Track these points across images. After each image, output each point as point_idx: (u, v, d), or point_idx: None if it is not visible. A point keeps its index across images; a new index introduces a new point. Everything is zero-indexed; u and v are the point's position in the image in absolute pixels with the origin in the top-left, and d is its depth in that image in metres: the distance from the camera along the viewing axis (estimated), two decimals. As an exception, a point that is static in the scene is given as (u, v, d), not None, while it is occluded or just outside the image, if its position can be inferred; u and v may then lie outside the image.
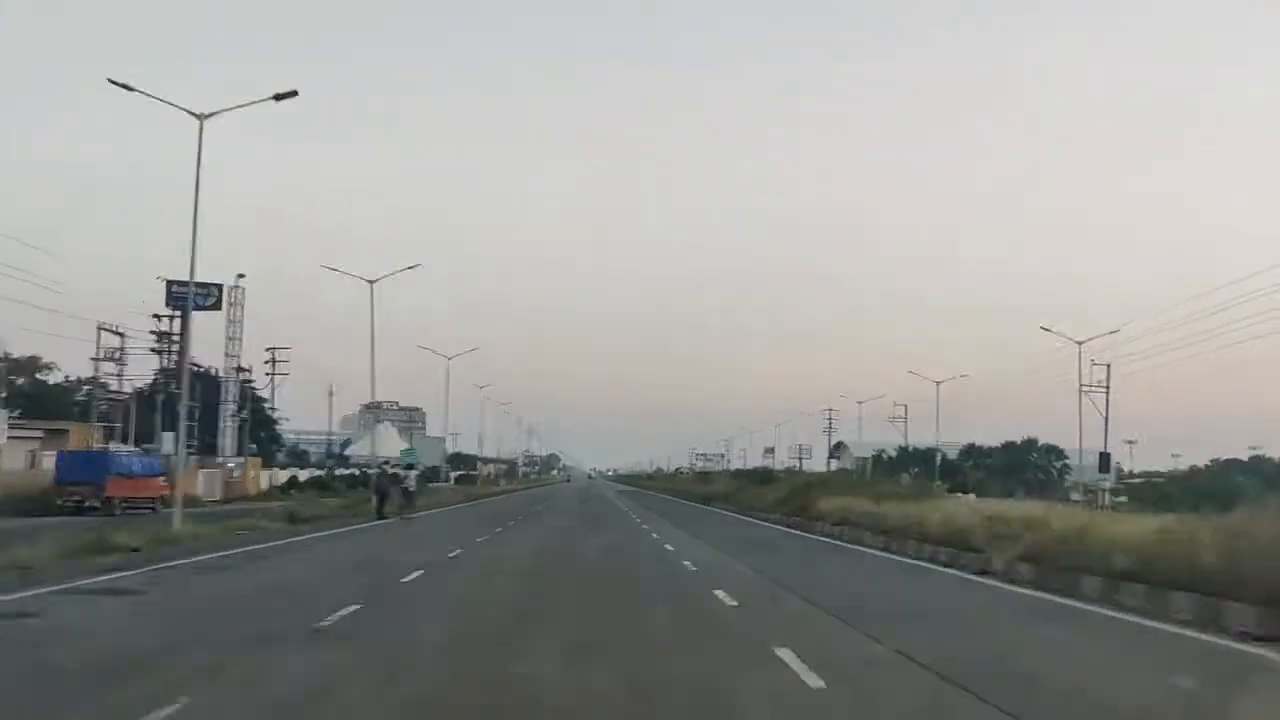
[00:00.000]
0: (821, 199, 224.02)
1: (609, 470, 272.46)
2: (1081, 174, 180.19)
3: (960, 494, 45.05)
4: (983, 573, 17.77)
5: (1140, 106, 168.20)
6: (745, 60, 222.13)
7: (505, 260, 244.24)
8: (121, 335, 53.69)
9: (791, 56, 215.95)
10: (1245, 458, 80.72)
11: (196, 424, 38.28)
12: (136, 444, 51.60)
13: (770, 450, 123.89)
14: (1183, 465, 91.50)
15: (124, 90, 25.36)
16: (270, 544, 23.35)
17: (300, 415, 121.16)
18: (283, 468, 74.80)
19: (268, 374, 71.95)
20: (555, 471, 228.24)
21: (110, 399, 54.65)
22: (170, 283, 52.58)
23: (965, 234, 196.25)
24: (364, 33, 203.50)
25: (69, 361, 74.50)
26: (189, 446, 34.19)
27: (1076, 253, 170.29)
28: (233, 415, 58.73)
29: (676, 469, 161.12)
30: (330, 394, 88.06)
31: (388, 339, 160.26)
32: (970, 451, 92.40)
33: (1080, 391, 58.21)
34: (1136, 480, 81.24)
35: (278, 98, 26.29)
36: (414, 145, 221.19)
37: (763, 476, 71.24)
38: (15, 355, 61.34)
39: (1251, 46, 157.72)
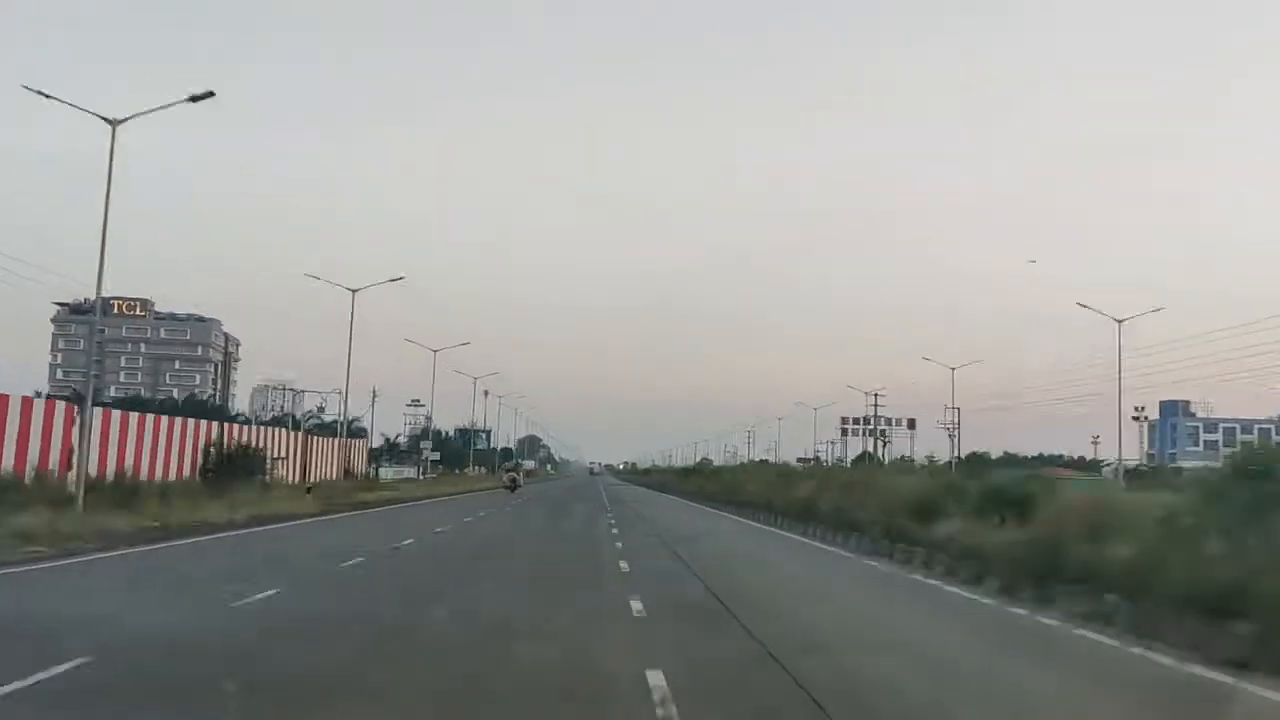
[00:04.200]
0: (824, 195, 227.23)
1: (621, 464, 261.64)
2: (1093, 174, 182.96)
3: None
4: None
5: (1140, 107, 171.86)
6: (746, 57, 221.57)
7: (504, 254, 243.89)
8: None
9: (793, 53, 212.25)
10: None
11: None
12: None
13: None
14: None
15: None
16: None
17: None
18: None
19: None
20: (549, 467, 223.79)
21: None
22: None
23: (968, 230, 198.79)
24: (362, 30, 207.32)
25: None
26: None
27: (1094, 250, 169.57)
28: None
29: (700, 460, 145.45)
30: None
31: (387, 335, 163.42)
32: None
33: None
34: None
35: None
36: (414, 142, 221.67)
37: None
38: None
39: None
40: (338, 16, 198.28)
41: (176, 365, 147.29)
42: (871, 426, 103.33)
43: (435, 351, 75.82)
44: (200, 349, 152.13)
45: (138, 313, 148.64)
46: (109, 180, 25.28)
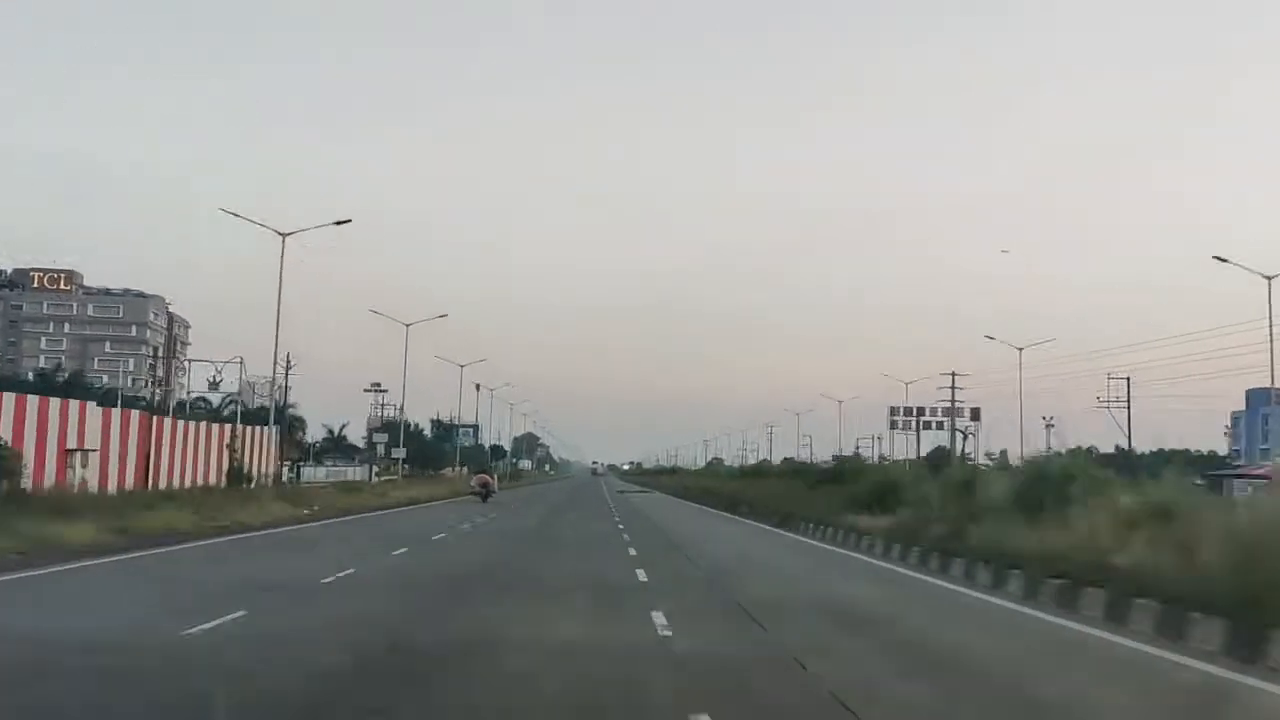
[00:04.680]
0: (825, 194, 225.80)
1: (625, 464, 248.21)
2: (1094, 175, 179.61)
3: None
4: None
5: (1141, 107, 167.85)
6: (746, 56, 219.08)
7: (504, 254, 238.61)
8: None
9: (793, 53, 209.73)
10: None
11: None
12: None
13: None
14: None
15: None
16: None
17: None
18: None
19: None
20: (547, 467, 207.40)
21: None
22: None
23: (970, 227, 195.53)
24: (362, 30, 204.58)
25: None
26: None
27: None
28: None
29: (712, 460, 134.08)
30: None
31: (389, 332, 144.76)
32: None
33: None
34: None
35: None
36: (414, 138, 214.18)
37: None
38: None
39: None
40: (337, 17, 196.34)
41: (108, 347, 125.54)
42: (933, 418, 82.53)
43: (407, 326, 61.22)
44: (135, 329, 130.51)
45: (61, 286, 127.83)
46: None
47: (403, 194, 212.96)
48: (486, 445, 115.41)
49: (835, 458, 79.31)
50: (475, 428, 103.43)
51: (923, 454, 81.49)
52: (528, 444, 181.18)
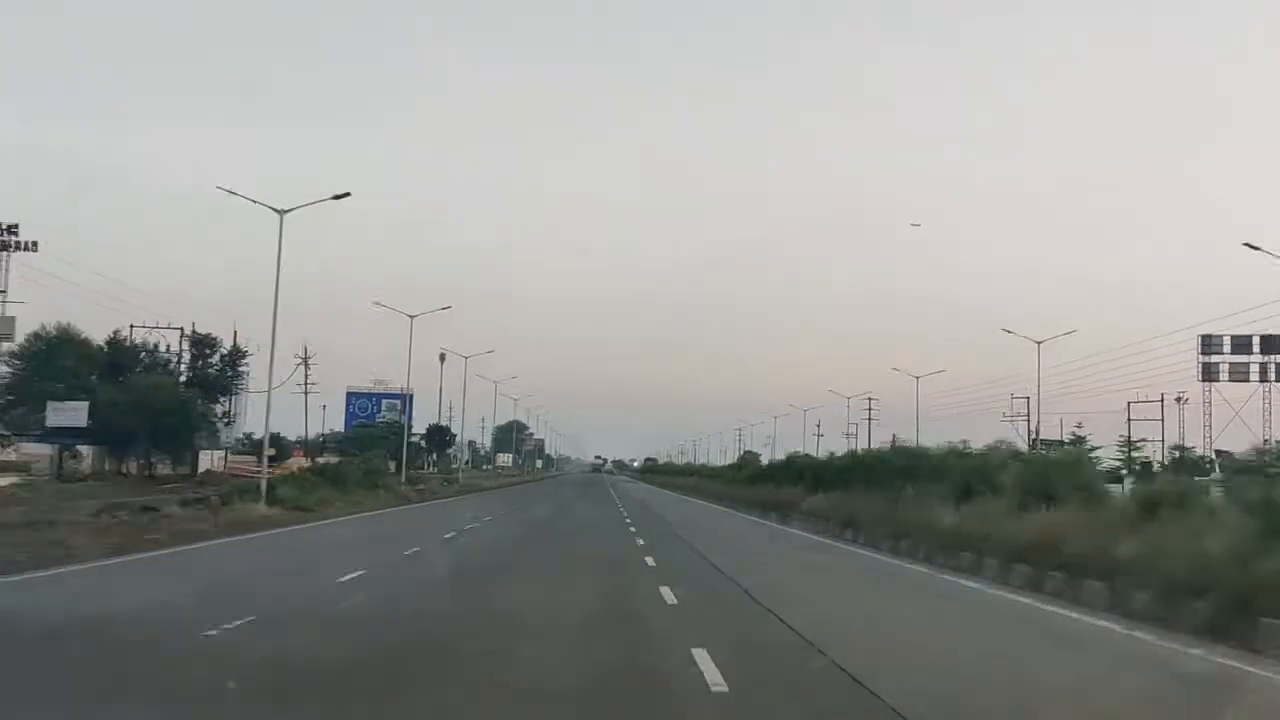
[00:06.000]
0: (826, 194, 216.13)
1: (632, 459, 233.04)
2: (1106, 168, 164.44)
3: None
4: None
5: (1149, 105, 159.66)
6: (747, 56, 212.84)
7: (504, 253, 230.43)
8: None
9: (793, 52, 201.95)
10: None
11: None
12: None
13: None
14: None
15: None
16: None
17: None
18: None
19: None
20: (539, 463, 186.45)
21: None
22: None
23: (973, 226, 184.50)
24: (362, 29, 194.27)
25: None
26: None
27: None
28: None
29: (744, 454, 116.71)
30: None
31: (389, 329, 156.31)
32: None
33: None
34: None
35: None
36: (414, 136, 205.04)
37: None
38: None
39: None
40: (336, 16, 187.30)
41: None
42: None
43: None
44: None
45: None
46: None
47: (405, 186, 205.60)
48: (463, 439, 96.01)
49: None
50: (406, 398, 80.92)
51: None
52: (516, 435, 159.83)
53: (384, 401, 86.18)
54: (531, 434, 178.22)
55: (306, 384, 71.80)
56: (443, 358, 79.31)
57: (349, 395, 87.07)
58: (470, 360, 73.78)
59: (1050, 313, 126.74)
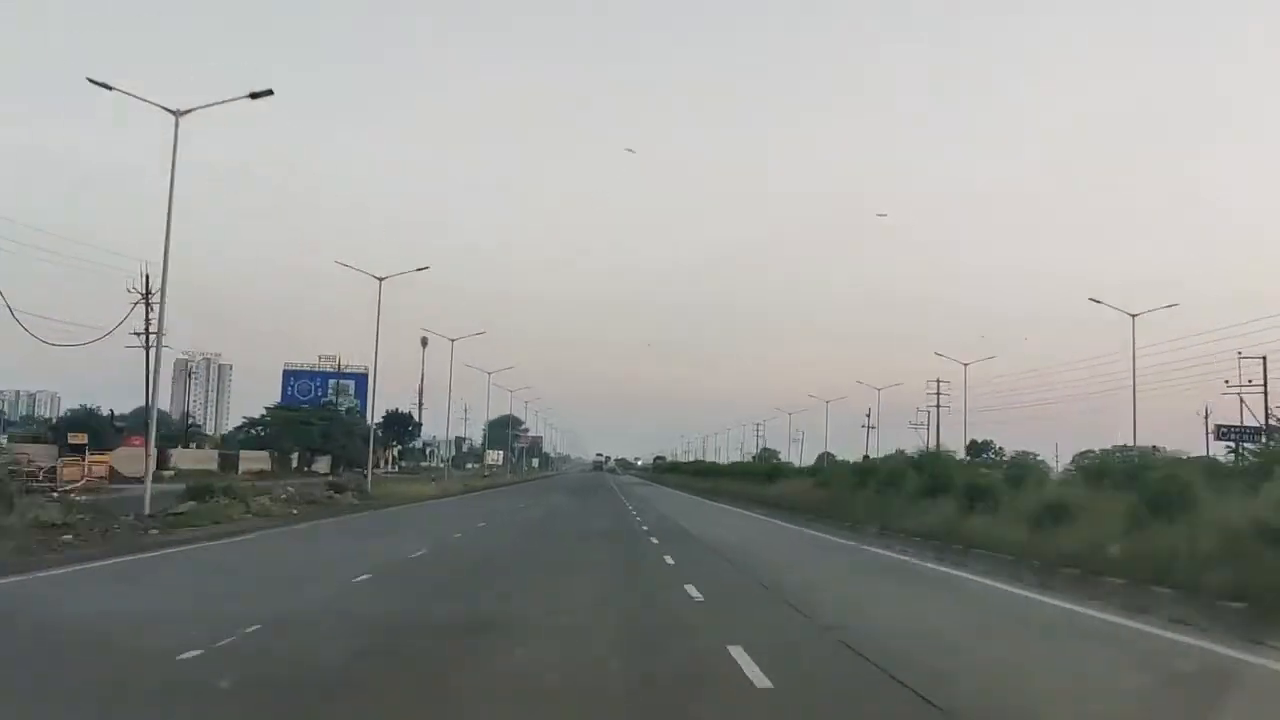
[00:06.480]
0: (826, 193, 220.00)
1: (636, 458, 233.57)
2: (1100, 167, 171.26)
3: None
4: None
5: (1150, 103, 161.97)
6: (747, 55, 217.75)
7: (504, 251, 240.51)
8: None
9: (797, 43, 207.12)
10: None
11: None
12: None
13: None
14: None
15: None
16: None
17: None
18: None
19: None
20: (535, 461, 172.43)
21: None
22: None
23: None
24: (362, 29, 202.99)
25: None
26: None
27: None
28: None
29: (761, 451, 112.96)
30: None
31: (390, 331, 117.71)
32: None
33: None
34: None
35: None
36: (414, 136, 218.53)
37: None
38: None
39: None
40: (336, 16, 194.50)
41: None
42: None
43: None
44: None
45: None
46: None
47: (406, 184, 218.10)
48: (450, 435, 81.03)
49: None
50: (357, 378, 65.26)
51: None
52: (510, 430, 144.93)
53: (332, 382, 70.65)
54: (526, 430, 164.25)
55: (148, 332, 50.15)
56: (424, 341, 68.32)
57: (286, 374, 71.88)
58: (468, 354, 65.87)
59: (1051, 312, 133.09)
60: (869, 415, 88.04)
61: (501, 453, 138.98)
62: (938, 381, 74.79)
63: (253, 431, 66.39)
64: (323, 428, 59.91)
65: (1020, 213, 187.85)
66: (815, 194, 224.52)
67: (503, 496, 57.25)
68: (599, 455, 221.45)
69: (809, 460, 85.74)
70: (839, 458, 73.13)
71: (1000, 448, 77.14)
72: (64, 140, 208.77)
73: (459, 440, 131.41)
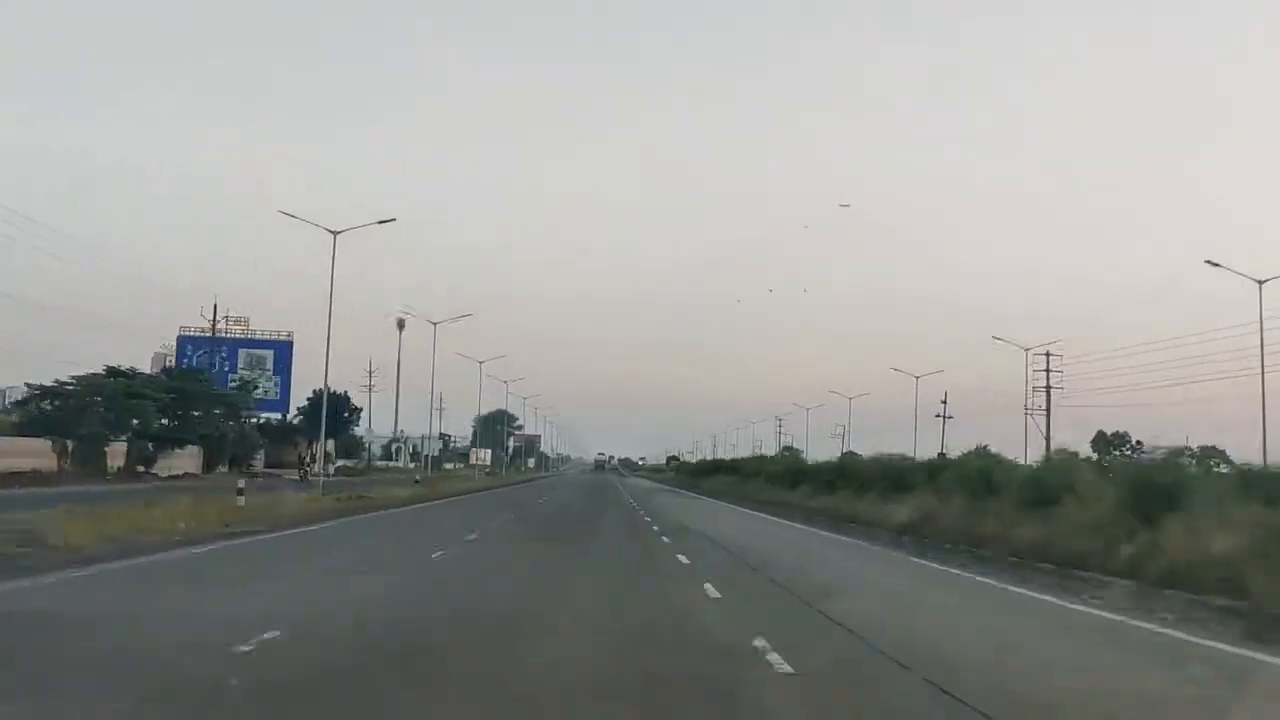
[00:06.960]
0: (827, 192, 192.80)
1: (640, 459, 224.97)
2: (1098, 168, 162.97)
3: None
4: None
5: (1153, 103, 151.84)
6: (747, 55, 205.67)
7: (505, 251, 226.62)
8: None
9: (797, 43, 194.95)
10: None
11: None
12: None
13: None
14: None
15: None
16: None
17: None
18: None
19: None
20: (530, 461, 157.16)
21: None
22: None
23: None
24: (360, 29, 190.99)
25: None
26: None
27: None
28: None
29: (783, 449, 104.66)
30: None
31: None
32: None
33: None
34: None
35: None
36: (414, 136, 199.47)
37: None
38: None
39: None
40: (336, 16, 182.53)
41: None
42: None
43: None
44: None
45: None
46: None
47: (402, 192, 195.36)
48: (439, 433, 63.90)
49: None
50: (278, 346, 49.83)
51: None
52: (504, 427, 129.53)
53: (243, 352, 54.40)
54: (521, 426, 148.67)
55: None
56: (401, 323, 61.51)
57: (181, 340, 55.88)
58: (456, 342, 65.21)
59: (1050, 312, 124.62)
60: (944, 403, 72.81)
61: (490, 451, 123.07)
62: (1047, 355, 58.24)
63: (39, 407, 47.66)
64: (174, 405, 41.48)
65: (1020, 213, 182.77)
66: (816, 194, 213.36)
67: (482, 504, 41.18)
68: (601, 455, 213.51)
69: (817, 457, 72.37)
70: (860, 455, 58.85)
71: (1137, 440, 60.70)
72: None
73: (444, 437, 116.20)
